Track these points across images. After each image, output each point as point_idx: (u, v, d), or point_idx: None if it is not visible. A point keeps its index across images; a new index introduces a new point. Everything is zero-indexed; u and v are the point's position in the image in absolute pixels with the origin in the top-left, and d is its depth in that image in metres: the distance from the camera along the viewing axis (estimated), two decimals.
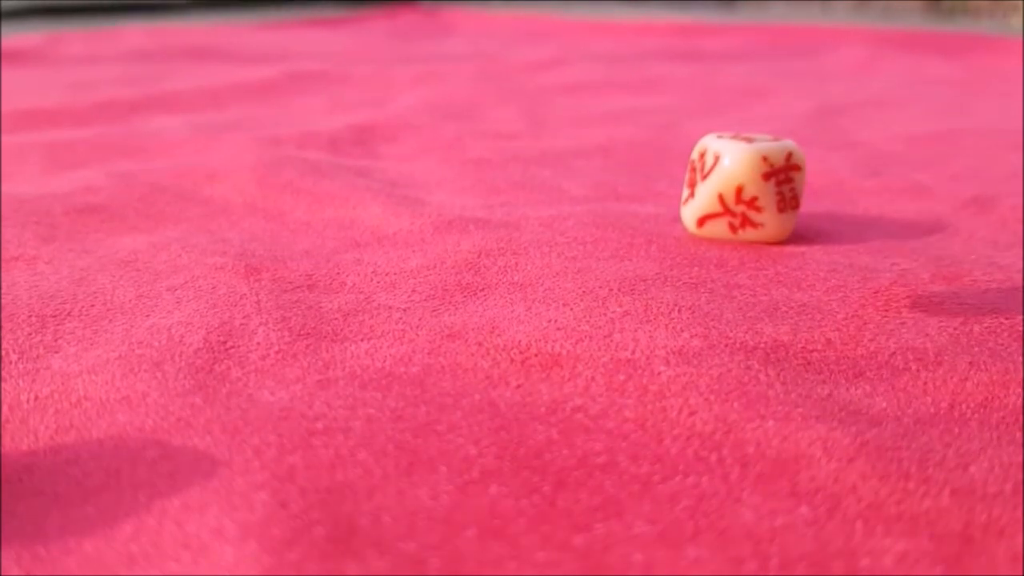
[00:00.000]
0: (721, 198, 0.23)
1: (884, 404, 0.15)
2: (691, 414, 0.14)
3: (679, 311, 0.18)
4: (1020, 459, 0.13)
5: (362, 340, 0.17)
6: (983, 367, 0.16)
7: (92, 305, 0.19)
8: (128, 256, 0.22)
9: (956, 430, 0.14)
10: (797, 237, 0.25)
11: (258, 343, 0.17)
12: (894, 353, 0.17)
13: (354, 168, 0.31)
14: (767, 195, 0.23)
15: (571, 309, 0.18)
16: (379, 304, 0.19)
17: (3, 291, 0.20)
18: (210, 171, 0.30)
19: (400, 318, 0.18)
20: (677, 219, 0.26)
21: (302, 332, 0.18)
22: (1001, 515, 0.12)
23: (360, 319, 0.18)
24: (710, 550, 0.11)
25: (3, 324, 0.18)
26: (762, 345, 0.17)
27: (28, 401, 0.15)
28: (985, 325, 0.18)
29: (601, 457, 0.13)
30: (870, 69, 0.74)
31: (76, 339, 0.17)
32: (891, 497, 0.12)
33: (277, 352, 0.17)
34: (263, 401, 0.15)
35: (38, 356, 0.17)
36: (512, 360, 0.16)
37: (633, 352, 0.16)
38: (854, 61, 0.80)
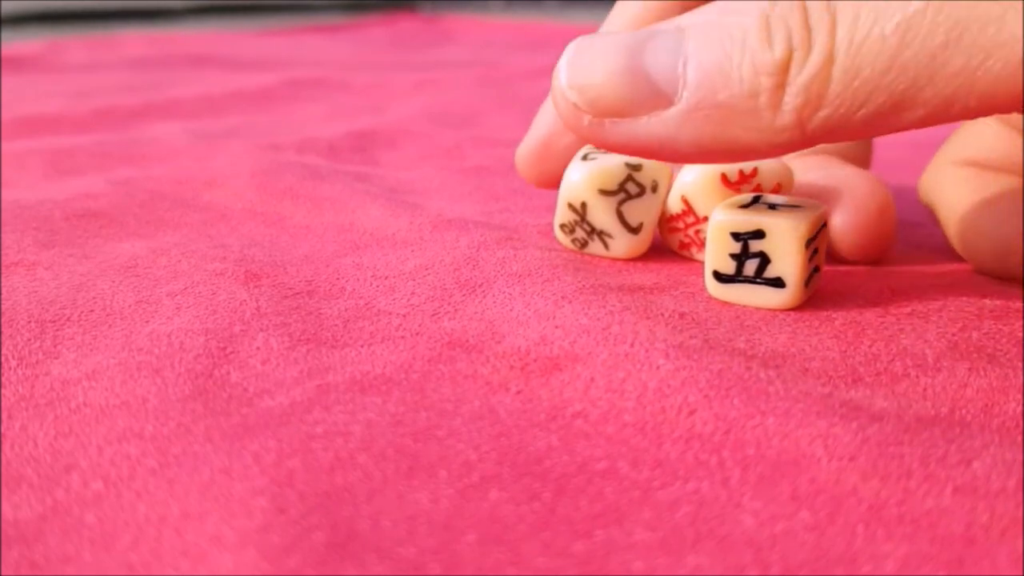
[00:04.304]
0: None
1: (884, 404, 0.15)
2: (691, 413, 0.14)
3: (678, 316, 0.18)
4: (1022, 458, 0.13)
5: (362, 346, 0.17)
6: (983, 373, 0.16)
7: (91, 311, 0.19)
8: (128, 262, 0.22)
9: (957, 429, 0.14)
10: None
11: (258, 348, 0.17)
12: (893, 359, 0.17)
13: (353, 174, 0.31)
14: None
15: (570, 303, 0.18)
16: (379, 309, 0.19)
17: (2, 296, 0.20)
18: (210, 177, 0.30)
19: (400, 324, 0.18)
20: None
21: (302, 338, 0.18)
22: (1004, 514, 0.12)
23: (360, 325, 0.18)
24: (710, 557, 0.11)
25: (2, 330, 0.18)
26: (761, 351, 0.17)
27: (27, 407, 0.15)
28: (984, 330, 0.18)
29: (601, 463, 0.13)
30: None
31: (75, 345, 0.17)
32: (892, 498, 0.12)
33: (277, 357, 0.17)
34: (262, 406, 0.15)
35: (37, 362, 0.17)
36: (512, 366, 0.16)
37: (632, 345, 0.16)
38: None
